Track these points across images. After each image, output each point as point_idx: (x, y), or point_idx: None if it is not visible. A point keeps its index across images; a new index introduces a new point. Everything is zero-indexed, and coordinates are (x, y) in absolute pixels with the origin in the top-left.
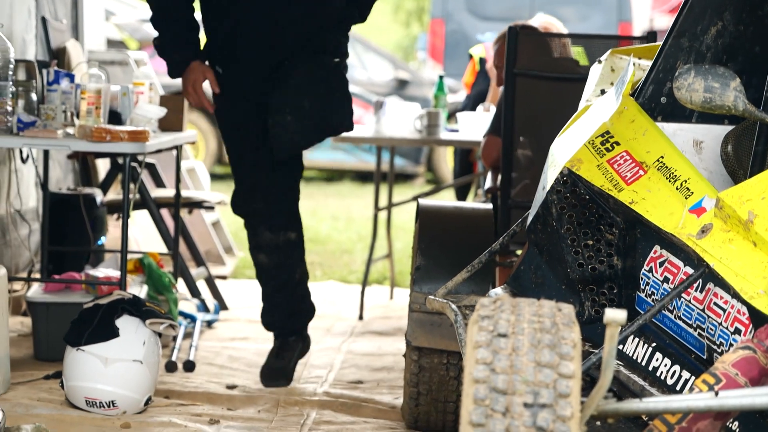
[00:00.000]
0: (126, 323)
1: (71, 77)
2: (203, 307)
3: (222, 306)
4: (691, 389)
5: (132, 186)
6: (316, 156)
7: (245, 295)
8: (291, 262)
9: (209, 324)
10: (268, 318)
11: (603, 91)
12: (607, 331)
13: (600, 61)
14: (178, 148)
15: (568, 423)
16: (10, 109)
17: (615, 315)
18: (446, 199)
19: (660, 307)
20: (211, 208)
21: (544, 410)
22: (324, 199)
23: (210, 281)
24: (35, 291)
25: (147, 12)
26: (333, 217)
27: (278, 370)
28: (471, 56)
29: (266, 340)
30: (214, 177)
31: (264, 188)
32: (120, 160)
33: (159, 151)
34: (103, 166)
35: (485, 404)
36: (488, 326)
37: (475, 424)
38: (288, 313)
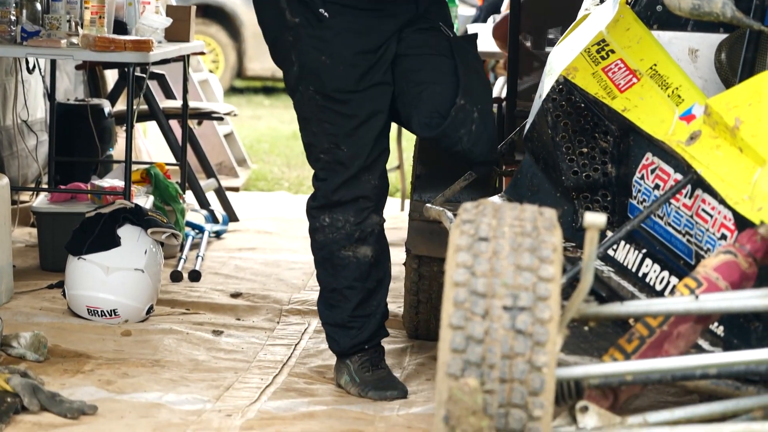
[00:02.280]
0: (127, 232)
1: None
2: (211, 218)
3: (232, 217)
4: (673, 293)
5: (138, 97)
6: None
7: (256, 206)
8: (388, 251)
9: (218, 235)
10: (357, 337)
11: (602, 0)
12: (586, 234)
13: None
14: (186, 58)
15: (546, 326)
16: (14, 18)
17: (594, 219)
18: None
19: (647, 214)
20: (221, 118)
21: (523, 313)
22: None
23: (220, 192)
24: (41, 201)
25: None
26: None
27: (389, 381)
28: None
29: (274, 251)
30: (235, 90)
31: (382, 161)
32: (126, 70)
33: (167, 61)
34: (111, 77)
35: (465, 307)
36: (469, 230)
37: (455, 327)
38: (380, 319)
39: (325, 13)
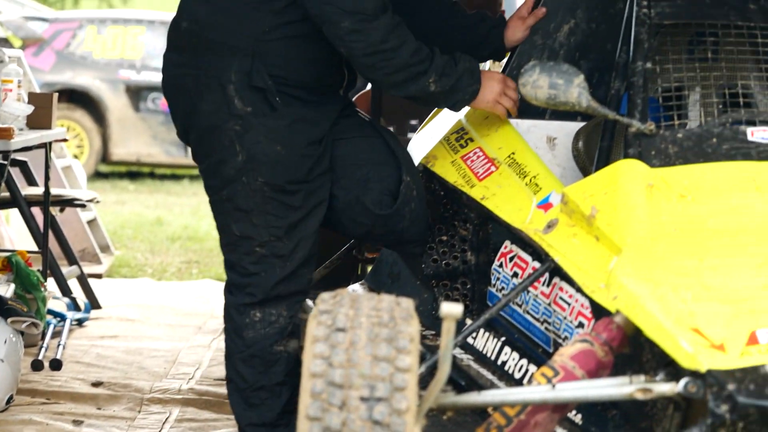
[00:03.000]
0: None
1: None
2: (73, 306)
3: (94, 305)
4: (531, 381)
5: None
6: None
7: (119, 293)
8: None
9: (80, 322)
10: None
11: None
12: (443, 324)
13: None
14: (48, 144)
15: (404, 416)
16: None
17: (450, 309)
18: None
19: (506, 302)
20: (83, 205)
21: (380, 404)
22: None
23: (83, 279)
24: None
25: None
26: None
27: None
28: None
29: (136, 338)
30: (99, 175)
31: (316, 253)
32: None
33: (29, 148)
34: None
35: (322, 398)
36: (327, 321)
37: (312, 418)
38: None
39: (279, 102)
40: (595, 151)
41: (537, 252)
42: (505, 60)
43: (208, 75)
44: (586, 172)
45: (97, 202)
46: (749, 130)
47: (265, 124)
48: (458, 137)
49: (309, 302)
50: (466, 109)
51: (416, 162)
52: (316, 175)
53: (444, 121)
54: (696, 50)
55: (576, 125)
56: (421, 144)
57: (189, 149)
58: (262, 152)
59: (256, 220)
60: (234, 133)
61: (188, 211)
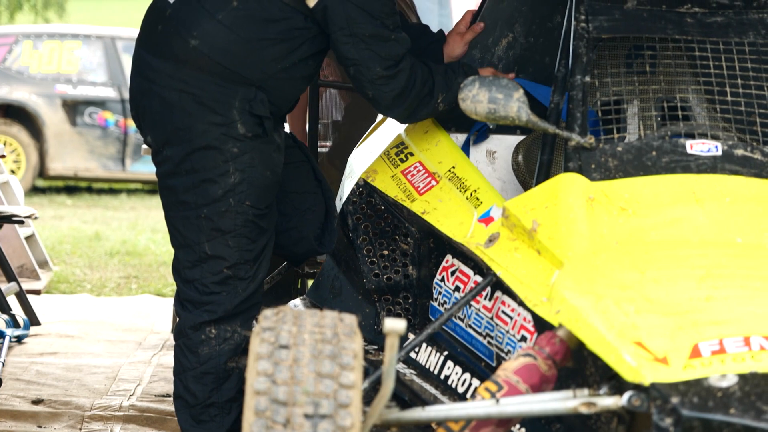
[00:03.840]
0: None
1: None
2: (12, 323)
3: (33, 321)
4: (474, 395)
5: None
6: (138, 168)
7: (58, 309)
8: None
9: (19, 339)
10: None
11: None
12: (386, 340)
13: None
14: None
15: None
16: None
17: (393, 325)
18: None
19: (448, 316)
20: (21, 222)
21: (324, 421)
22: (146, 212)
23: (21, 296)
24: None
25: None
26: (152, 230)
27: None
28: None
29: (76, 355)
30: (37, 190)
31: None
32: None
33: None
34: None
35: (266, 416)
36: (270, 338)
37: None
38: None
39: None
40: (534, 165)
41: (479, 266)
42: None
43: (211, 98)
44: (526, 185)
45: (36, 218)
46: (688, 143)
47: (259, 148)
48: (398, 151)
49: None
50: (405, 123)
51: (357, 176)
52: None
53: (384, 135)
54: (634, 63)
55: (515, 139)
56: (362, 158)
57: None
58: (256, 175)
59: (232, 242)
60: (231, 154)
61: (126, 225)
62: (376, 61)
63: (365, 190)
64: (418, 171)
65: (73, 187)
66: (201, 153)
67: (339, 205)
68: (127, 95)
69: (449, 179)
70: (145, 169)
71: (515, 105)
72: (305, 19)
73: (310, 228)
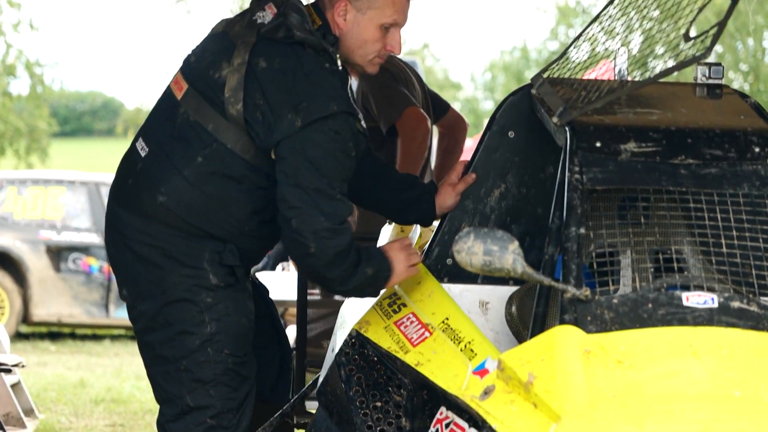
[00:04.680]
0: None
1: None
2: None
3: None
4: None
5: None
6: (122, 314)
7: None
8: None
9: None
10: None
11: None
12: None
13: (390, 222)
14: None
15: None
16: None
17: None
18: None
19: None
20: (8, 370)
21: None
22: (130, 358)
23: None
24: None
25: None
26: (137, 377)
27: None
28: None
29: None
30: (20, 336)
31: None
32: None
33: None
34: None
35: None
36: None
37: None
38: None
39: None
40: (528, 316)
41: (474, 419)
42: (435, 224)
43: (180, 251)
44: (519, 337)
45: (23, 366)
46: (684, 295)
47: (233, 297)
48: (391, 302)
49: None
50: None
51: (349, 327)
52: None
53: None
54: (628, 215)
55: (508, 290)
56: (354, 309)
57: (110, 309)
58: (231, 324)
59: (214, 392)
60: (205, 305)
61: (111, 372)
62: (320, 213)
63: (358, 341)
64: (412, 322)
65: (56, 333)
66: (175, 306)
67: (331, 356)
68: None
69: (443, 330)
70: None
71: (510, 257)
72: (268, 178)
73: (265, 378)
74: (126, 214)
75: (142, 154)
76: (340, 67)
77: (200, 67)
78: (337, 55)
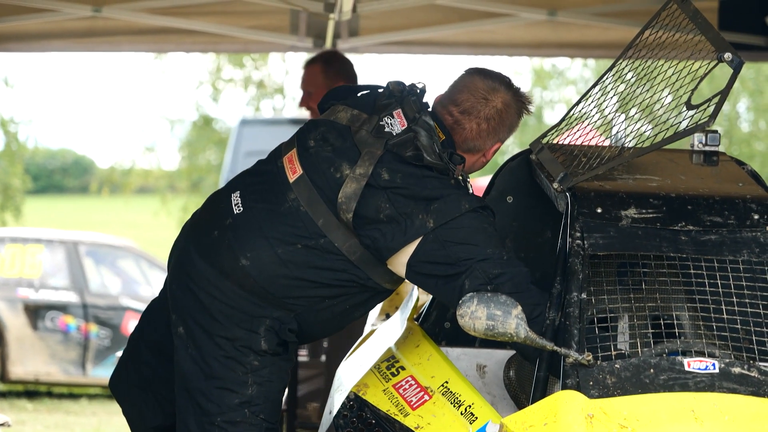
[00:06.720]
0: None
1: None
2: None
3: None
4: None
5: None
6: (99, 372)
7: None
8: None
9: None
10: None
11: (388, 316)
12: None
13: None
14: None
15: None
16: None
17: None
18: None
19: None
20: None
21: None
22: (108, 417)
23: None
24: None
25: None
26: None
27: None
28: None
29: None
30: None
31: None
32: None
33: None
34: None
35: None
36: None
37: None
38: None
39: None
40: (527, 380)
41: None
42: None
43: (245, 311)
44: (518, 400)
45: (9, 425)
46: (686, 360)
47: (278, 365)
48: (389, 365)
49: None
50: (395, 336)
51: (347, 390)
52: None
53: (373, 348)
54: (629, 280)
55: (506, 353)
56: (351, 371)
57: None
58: (272, 390)
59: None
60: (251, 367)
61: (89, 431)
62: None
63: (356, 403)
64: (411, 385)
65: (33, 391)
66: (223, 360)
67: (329, 418)
68: (87, 300)
69: (443, 394)
70: (106, 374)
71: (513, 322)
72: (366, 280)
73: None
74: (202, 263)
75: (236, 210)
76: (462, 184)
77: (319, 158)
78: (462, 174)
